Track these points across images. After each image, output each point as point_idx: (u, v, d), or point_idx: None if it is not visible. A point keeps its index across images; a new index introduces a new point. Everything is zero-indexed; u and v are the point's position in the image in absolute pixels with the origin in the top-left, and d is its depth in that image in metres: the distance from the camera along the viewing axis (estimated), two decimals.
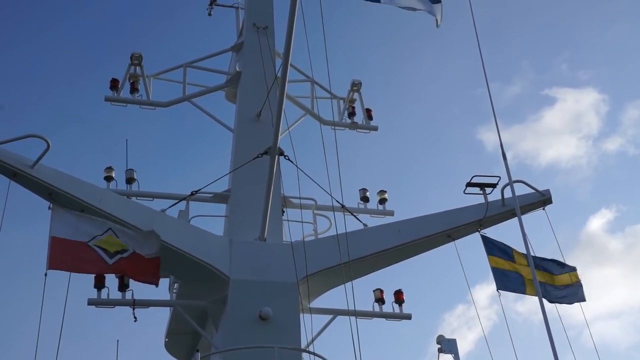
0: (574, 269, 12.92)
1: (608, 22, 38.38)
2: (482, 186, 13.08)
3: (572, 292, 12.64)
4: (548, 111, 40.61)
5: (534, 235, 12.87)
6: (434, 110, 36.92)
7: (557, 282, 12.80)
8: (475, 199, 13.21)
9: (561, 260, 13.06)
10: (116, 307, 11.56)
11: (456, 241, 13.32)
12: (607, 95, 38.52)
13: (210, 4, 18.46)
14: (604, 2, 38.43)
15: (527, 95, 38.41)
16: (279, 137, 11.93)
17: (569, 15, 38.30)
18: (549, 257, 13.00)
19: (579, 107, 38.65)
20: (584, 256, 37.51)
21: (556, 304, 12.40)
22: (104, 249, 11.07)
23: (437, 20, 10.95)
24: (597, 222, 38.83)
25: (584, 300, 12.67)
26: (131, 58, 15.09)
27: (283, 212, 13.65)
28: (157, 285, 11.38)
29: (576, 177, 38.40)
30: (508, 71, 37.58)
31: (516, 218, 11.75)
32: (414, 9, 10.84)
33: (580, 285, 12.77)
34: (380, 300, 13.21)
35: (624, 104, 39.85)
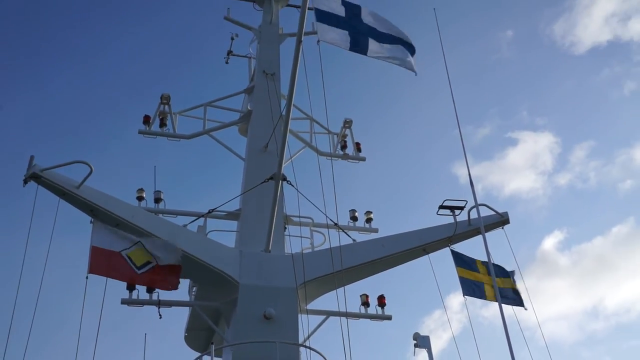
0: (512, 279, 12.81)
1: (560, 78, 39.80)
2: (452, 208, 13.12)
3: (519, 298, 12.62)
4: (511, 150, 41.47)
5: (496, 251, 12.97)
6: (416, 146, 37.68)
7: (517, 287, 12.75)
8: (446, 219, 13.28)
9: (518, 275, 12.98)
10: (144, 306, 11.65)
11: (431, 255, 13.20)
12: (560, 138, 39.65)
13: (227, 54, 18.50)
14: (558, 62, 39.78)
15: (495, 137, 39.70)
16: (283, 166, 12.11)
17: (529, 72, 39.61)
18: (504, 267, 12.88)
19: (536, 147, 39.71)
20: (539, 270, 38.13)
21: (513, 306, 12.37)
22: (133, 261, 11.11)
23: (413, 70, 11.10)
24: (550, 242, 39.51)
25: (522, 306, 12.55)
26: (161, 98, 15.27)
27: (285, 228, 13.78)
28: (176, 289, 11.38)
29: (534, 205, 39.22)
30: (479, 116, 38.53)
31: (480, 235, 12.18)
32: (393, 62, 11.07)
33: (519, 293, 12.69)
34: (365, 304, 13.29)
35: (573, 145, 40.86)
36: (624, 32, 40.67)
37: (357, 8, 11.07)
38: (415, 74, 11.22)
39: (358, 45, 10.74)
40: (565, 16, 40.84)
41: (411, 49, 11.38)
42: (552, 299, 36.54)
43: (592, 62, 40.21)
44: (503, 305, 11.58)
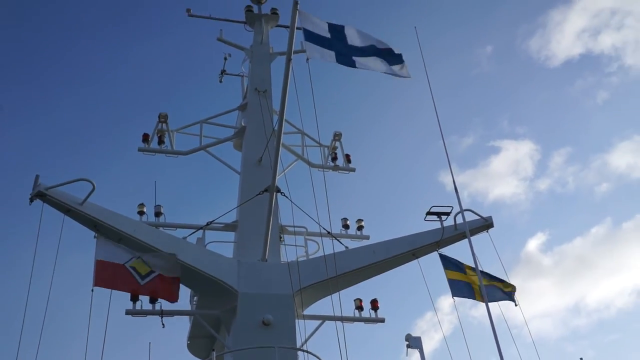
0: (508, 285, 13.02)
1: (537, 90, 41.16)
2: (438, 214, 13.27)
3: (507, 295, 12.85)
4: (494, 158, 42.53)
5: (483, 254, 13.08)
6: (404, 157, 38.40)
7: (503, 287, 12.93)
8: (433, 225, 13.44)
9: (504, 276, 13.21)
10: (148, 316, 11.68)
11: (421, 259, 13.33)
12: (539, 145, 40.66)
13: (221, 74, 18.72)
14: (534, 74, 41.22)
15: (478, 146, 40.83)
16: (277, 178, 12.24)
17: (508, 84, 40.96)
18: (494, 275, 13.09)
19: (517, 155, 40.76)
20: (524, 271, 39.03)
21: (499, 301, 12.54)
22: (137, 271, 11.24)
23: (404, 75, 11.39)
24: (533, 244, 40.37)
25: (513, 301, 12.80)
26: (159, 117, 15.45)
27: (280, 237, 13.93)
28: (175, 301, 11.53)
29: (517, 210, 40.21)
30: (463, 126, 39.56)
31: (467, 239, 12.31)
32: (383, 72, 11.36)
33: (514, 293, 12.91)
34: (359, 308, 13.40)
35: (551, 152, 41.92)
36: (594, 45, 42.10)
37: (341, 27, 11.37)
38: (410, 77, 11.51)
39: (345, 60, 11.07)
40: (540, 32, 42.22)
41: (397, 59, 11.66)
42: (537, 297, 37.60)
43: (566, 74, 41.85)
44: (492, 304, 11.89)
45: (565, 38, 42.17)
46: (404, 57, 11.72)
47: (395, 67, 11.49)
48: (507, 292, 12.87)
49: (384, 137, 38.22)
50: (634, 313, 37.36)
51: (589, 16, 41.83)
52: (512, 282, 13.09)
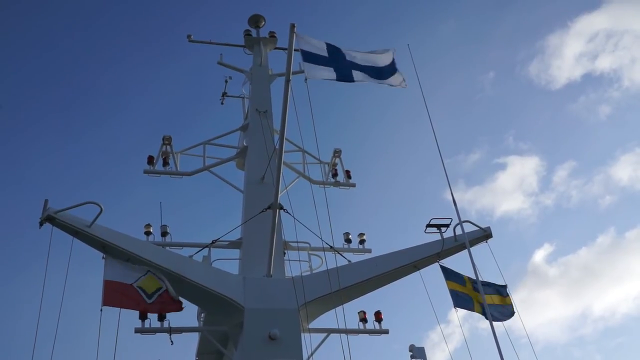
0: (507, 294, 12.85)
1: (541, 108, 41.48)
2: (438, 226, 13.17)
3: (507, 311, 12.64)
4: (501, 174, 42.62)
5: (486, 266, 12.94)
6: (409, 174, 38.37)
7: (504, 302, 12.76)
8: (434, 237, 13.34)
9: (503, 284, 13.03)
10: (156, 333, 11.53)
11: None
12: (544, 160, 40.67)
13: (222, 96, 18.74)
14: (537, 96, 41.43)
15: (484, 162, 41.01)
16: (279, 195, 12.20)
17: (512, 104, 41.43)
18: (493, 282, 12.95)
19: (523, 170, 40.85)
20: (531, 282, 39.00)
21: (495, 321, 12.04)
22: (144, 290, 11.17)
23: (400, 84, 11.41)
24: (539, 255, 40.24)
25: (512, 316, 12.56)
26: (163, 139, 15.42)
27: (284, 253, 13.81)
28: (181, 310, 11.43)
29: (524, 224, 40.27)
30: (469, 144, 39.73)
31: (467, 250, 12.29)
32: (379, 83, 11.39)
33: (511, 305, 12.73)
34: (363, 320, 13.28)
35: (555, 167, 41.96)
36: (594, 68, 42.38)
37: (338, 49, 11.42)
38: (406, 87, 11.52)
39: (344, 76, 11.10)
40: (539, 57, 42.26)
41: (392, 69, 11.64)
42: (544, 307, 37.54)
43: (569, 92, 41.98)
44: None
45: (564, 63, 42.73)
46: (397, 67, 11.74)
47: (391, 78, 11.48)
48: (506, 306, 12.68)
49: (387, 154, 38.23)
50: (639, 317, 37.40)
51: (585, 40, 42.24)
52: (519, 293, 13.05)
